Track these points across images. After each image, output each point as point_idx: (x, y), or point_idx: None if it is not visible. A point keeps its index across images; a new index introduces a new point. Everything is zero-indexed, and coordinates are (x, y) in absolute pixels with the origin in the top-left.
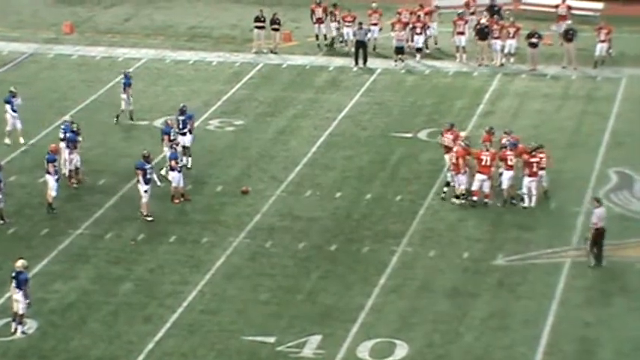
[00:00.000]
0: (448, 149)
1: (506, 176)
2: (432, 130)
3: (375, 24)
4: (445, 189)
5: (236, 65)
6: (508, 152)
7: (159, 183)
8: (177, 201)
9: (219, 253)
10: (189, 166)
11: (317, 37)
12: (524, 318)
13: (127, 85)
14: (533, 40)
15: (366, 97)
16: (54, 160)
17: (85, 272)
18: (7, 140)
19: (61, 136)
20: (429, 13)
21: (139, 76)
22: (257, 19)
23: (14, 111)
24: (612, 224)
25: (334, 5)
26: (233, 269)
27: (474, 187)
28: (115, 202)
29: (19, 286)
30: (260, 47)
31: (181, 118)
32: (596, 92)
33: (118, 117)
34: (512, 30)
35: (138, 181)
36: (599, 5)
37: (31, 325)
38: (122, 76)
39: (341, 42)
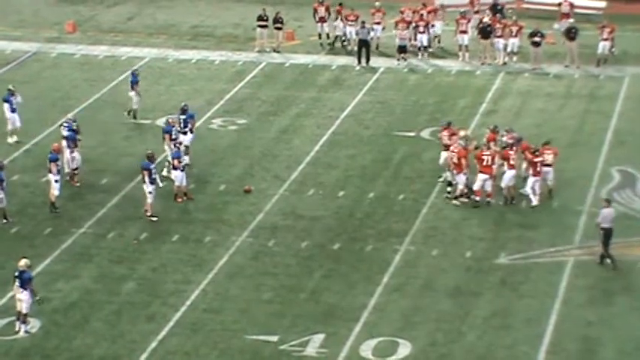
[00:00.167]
0: (447, 147)
1: (508, 175)
2: (435, 129)
3: (378, 23)
4: (449, 188)
5: (239, 64)
6: (511, 151)
7: (160, 184)
8: (179, 200)
9: (222, 252)
10: (189, 162)
11: (320, 36)
12: (527, 317)
13: (135, 82)
14: (536, 39)
15: (369, 96)
16: (56, 160)
17: (87, 271)
18: (9, 139)
19: (64, 134)
20: (431, 12)
21: (142, 75)
22: (260, 18)
23: (13, 110)
24: (615, 223)
25: (340, 4)
26: (236, 268)
27: (476, 187)
28: (118, 201)
29: (23, 286)
30: (263, 46)
31: (182, 117)
32: (599, 91)
33: (130, 112)
34: (514, 29)
35: (143, 181)
36: (602, 4)
37: (33, 324)
38: (129, 74)
39: (343, 41)
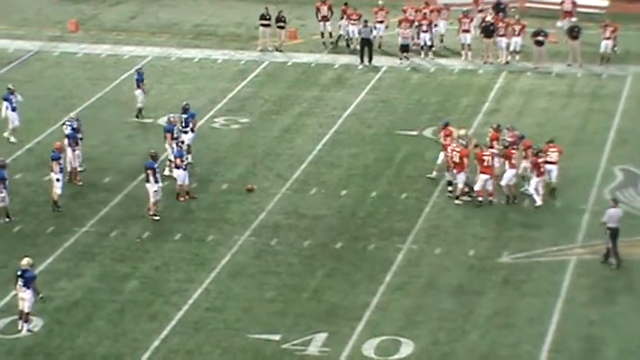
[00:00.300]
0: (445, 147)
1: (508, 174)
2: (438, 128)
3: (381, 22)
4: (450, 188)
5: (241, 63)
6: (513, 150)
7: (161, 184)
8: (182, 199)
9: (224, 251)
10: (191, 161)
11: (322, 34)
12: (530, 316)
13: (140, 81)
14: (540, 38)
15: (372, 94)
16: (59, 158)
17: (90, 270)
18: (12, 139)
19: (67, 132)
20: (434, 11)
21: (144, 73)
22: (262, 17)
23: (13, 109)
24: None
25: (345, 4)
26: (238, 267)
27: (478, 188)
28: (120, 200)
29: (26, 285)
30: (265, 45)
31: (184, 116)
32: (602, 90)
33: (138, 113)
34: (517, 27)
35: (147, 180)
36: (605, 3)
37: (36, 323)
38: (135, 72)
39: (346, 40)
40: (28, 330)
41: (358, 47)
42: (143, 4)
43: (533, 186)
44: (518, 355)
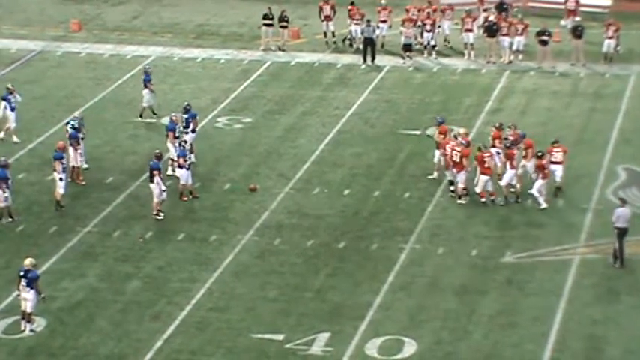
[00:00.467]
0: (440, 145)
1: (508, 175)
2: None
3: (384, 21)
4: (452, 188)
5: (244, 63)
6: (515, 151)
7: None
8: (185, 199)
9: (227, 250)
10: (194, 161)
11: (325, 34)
12: (533, 315)
13: (148, 80)
14: (544, 37)
15: (375, 94)
16: (61, 158)
17: (93, 270)
18: (15, 139)
19: (69, 131)
20: (437, 10)
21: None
22: (265, 17)
23: (12, 109)
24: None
25: (352, 3)
26: (241, 267)
27: (479, 190)
28: (123, 199)
29: (29, 285)
30: (268, 45)
31: (185, 116)
32: (605, 89)
33: (153, 112)
34: (520, 27)
35: (151, 181)
36: (608, 2)
37: (39, 323)
38: (142, 71)
39: (349, 39)
40: (31, 330)
41: (361, 47)
42: (146, 4)
43: (537, 188)
44: (522, 354)
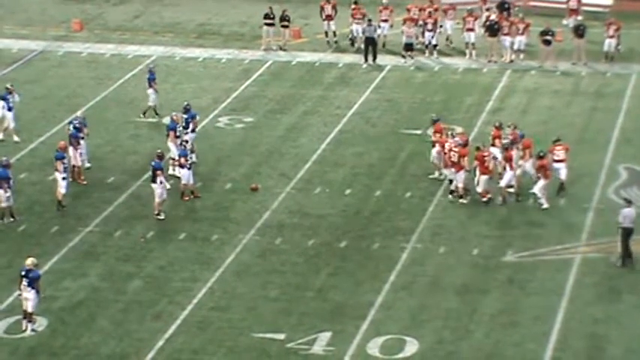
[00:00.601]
0: (435, 144)
1: (508, 176)
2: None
3: (386, 20)
4: (452, 187)
5: (245, 62)
6: (513, 152)
7: (168, 185)
8: (186, 198)
9: (228, 250)
10: (195, 160)
11: (326, 33)
12: (534, 314)
13: (152, 79)
14: (547, 37)
15: (376, 93)
16: (63, 158)
17: (94, 270)
18: (15, 138)
19: (70, 131)
20: (438, 10)
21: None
22: (266, 16)
23: (10, 109)
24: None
25: (355, 2)
26: (243, 266)
27: (481, 189)
28: (125, 199)
29: (30, 285)
30: (269, 44)
31: (184, 116)
32: (606, 88)
33: (156, 112)
34: (521, 26)
35: (153, 181)
36: (609, 1)
37: (40, 323)
38: (147, 71)
39: (350, 39)
40: (33, 330)
41: (362, 46)
42: (147, 4)
43: (539, 188)
44: (523, 353)
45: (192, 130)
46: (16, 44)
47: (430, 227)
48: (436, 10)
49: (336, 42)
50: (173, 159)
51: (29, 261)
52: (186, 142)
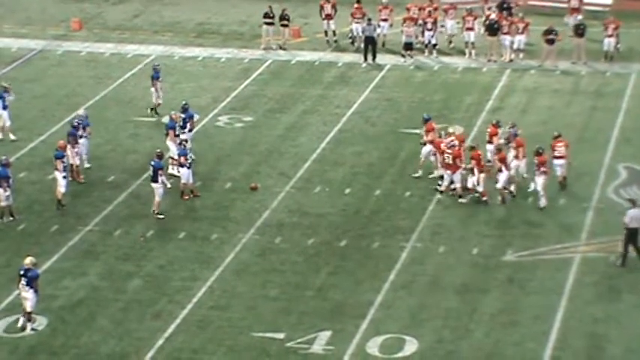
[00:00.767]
0: (431, 142)
1: (503, 177)
2: (442, 126)
3: (385, 20)
4: (440, 182)
5: (245, 61)
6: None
7: (168, 185)
8: (186, 197)
9: (228, 249)
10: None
11: (326, 33)
12: (534, 314)
13: (156, 78)
14: (551, 36)
15: (375, 93)
16: (62, 157)
17: (94, 269)
18: (12, 136)
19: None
20: (437, 9)
21: (148, 72)
22: (266, 15)
23: (4, 107)
24: (621, 220)
25: (358, 1)
26: (242, 265)
27: (482, 188)
28: (124, 198)
29: (29, 284)
30: (269, 43)
31: (182, 116)
32: (606, 88)
33: (153, 109)
34: (521, 25)
35: (155, 180)
36: (609, 0)
37: (40, 322)
38: (151, 69)
39: (349, 38)
40: (32, 329)
41: (362, 45)
42: (146, 3)
43: (540, 184)
44: (523, 353)
45: (190, 130)
46: (16, 43)
47: (430, 226)
48: (436, 9)
49: (335, 41)
50: (172, 158)
51: (28, 260)
52: (186, 141)
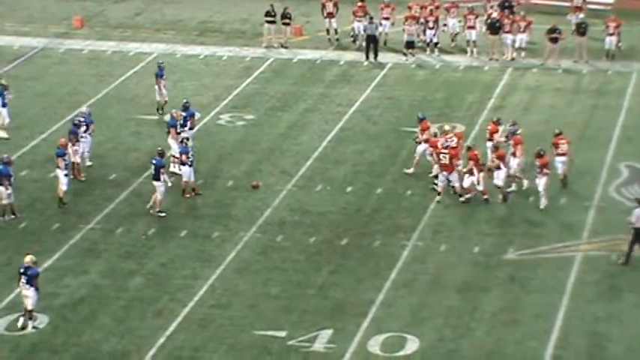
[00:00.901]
0: (426, 141)
1: (502, 175)
2: (438, 125)
3: (387, 18)
4: (436, 181)
5: (246, 60)
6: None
7: (169, 183)
8: (188, 195)
9: (230, 247)
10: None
11: (328, 31)
12: (535, 312)
13: (161, 76)
14: (555, 35)
15: (377, 91)
16: (64, 155)
17: (95, 267)
18: (2, 133)
19: (82, 128)
20: (439, 8)
21: (150, 70)
22: (268, 14)
23: (4, 105)
24: (622, 218)
25: (361, 0)
26: (244, 264)
27: (482, 187)
28: (126, 196)
29: (29, 282)
30: (270, 42)
31: (183, 114)
32: (608, 86)
33: (161, 107)
34: (523, 24)
35: (157, 178)
36: None
37: (42, 320)
38: (156, 67)
39: (351, 36)
40: (34, 327)
41: (364, 44)
42: (148, 1)
43: (542, 186)
44: (524, 351)
45: (190, 128)
46: (18, 41)
47: (431, 225)
48: (437, 7)
49: (337, 39)
50: (174, 156)
51: (28, 258)
52: (187, 139)
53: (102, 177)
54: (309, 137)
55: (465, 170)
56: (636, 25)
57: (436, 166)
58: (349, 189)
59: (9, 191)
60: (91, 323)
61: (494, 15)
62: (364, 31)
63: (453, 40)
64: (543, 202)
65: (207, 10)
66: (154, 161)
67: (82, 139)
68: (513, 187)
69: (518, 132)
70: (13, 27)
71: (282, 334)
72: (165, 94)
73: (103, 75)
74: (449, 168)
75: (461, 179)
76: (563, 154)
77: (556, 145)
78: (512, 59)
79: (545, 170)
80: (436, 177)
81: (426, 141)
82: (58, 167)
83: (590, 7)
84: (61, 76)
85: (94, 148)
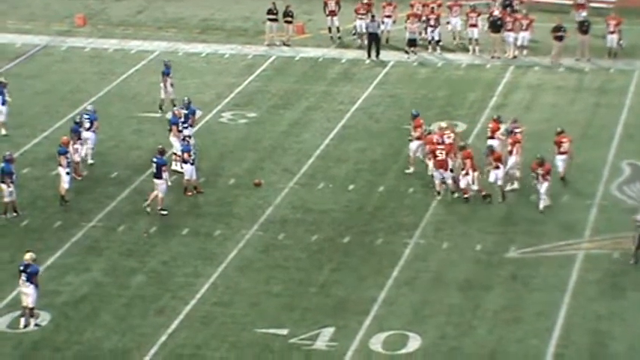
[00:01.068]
0: (419, 138)
1: (501, 173)
2: (436, 123)
3: (389, 16)
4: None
5: (248, 58)
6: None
7: (169, 182)
8: (189, 193)
9: (231, 245)
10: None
11: (330, 29)
12: (537, 310)
13: (167, 74)
14: (560, 33)
15: (379, 89)
16: (66, 153)
17: (97, 265)
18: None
19: (86, 125)
20: (441, 5)
21: (152, 68)
22: (270, 12)
23: (3, 102)
24: (624, 216)
25: None
26: (246, 262)
27: (476, 186)
28: (128, 194)
29: (29, 279)
30: (272, 40)
31: (184, 112)
32: (609, 84)
33: (160, 107)
34: (525, 22)
35: (159, 176)
36: None
37: (44, 318)
38: (163, 64)
39: (353, 34)
40: (36, 324)
41: (365, 42)
42: None
43: (543, 189)
44: (526, 349)
45: (190, 126)
46: (20, 39)
47: (433, 223)
48: (439, 5)
49: (339, 37)
50: (176, 154)
51: (27, 256)
52: (189, 137)
53: (104, 175)
54: (311, 135)
55: (461, 169)
56: (638, 24)
57: (431, 166)
58: (351, 187)
59: (11, 189)
60: (93, 321)
61: (496, 13)
62: (366, 29)
63: (455, 38)
64: (542, 204)
65: (209, 7)
66: (154, 160)
67: (86, 136)
68: (515, 185)
69: (518, 131)
70: (15, 25)
71: (284, 332)
72: (171, 91)
73: (105, 73)
74: (445, 165)
75: (457, 175)
76: (564, 153)
77: (558, 144)
78: (514, 57)
79: (547, 177)
80: (432, 177)
81: (418, 138)
82: (60, 165)
83: (593, 5)
84: (63, 74)
85: (97, 146)
